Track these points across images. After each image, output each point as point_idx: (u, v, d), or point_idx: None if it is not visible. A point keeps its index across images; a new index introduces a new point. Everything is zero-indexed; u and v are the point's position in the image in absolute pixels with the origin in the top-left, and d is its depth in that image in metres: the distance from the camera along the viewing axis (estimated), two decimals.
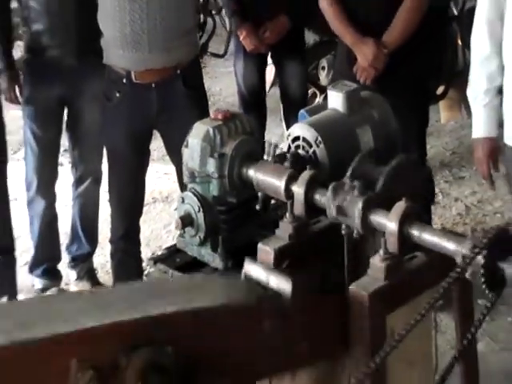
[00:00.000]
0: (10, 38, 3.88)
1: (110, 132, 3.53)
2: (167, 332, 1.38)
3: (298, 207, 1.73)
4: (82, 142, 3.94)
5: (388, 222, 1.57)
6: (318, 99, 5.46)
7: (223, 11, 6.29)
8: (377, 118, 1.93)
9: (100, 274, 4.23)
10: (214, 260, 1.90)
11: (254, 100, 4.77)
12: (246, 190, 1.87)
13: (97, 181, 4.01)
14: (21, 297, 3.92)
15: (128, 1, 3.27)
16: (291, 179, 1.75)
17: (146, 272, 3.89)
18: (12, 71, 3.83)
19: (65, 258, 4.15)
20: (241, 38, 4.52)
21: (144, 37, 3.30)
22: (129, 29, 3.29)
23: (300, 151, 1.86)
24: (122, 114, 3.43)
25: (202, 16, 6.39)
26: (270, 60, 4.85)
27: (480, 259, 1.40)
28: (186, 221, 1.90)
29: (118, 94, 3.41)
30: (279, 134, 5.24)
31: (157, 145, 4.14)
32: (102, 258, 4.28)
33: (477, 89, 3.01)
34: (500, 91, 2.96)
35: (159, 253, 4.07)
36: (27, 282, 4.07)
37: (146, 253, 4.08)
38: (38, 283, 4.06)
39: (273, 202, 1.89)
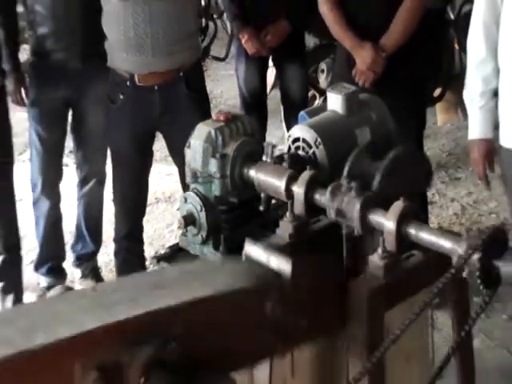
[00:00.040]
0: (16, 41, 3.87)
1: (113, 133, 3.54)
2: (171, 326, 1.37)
3: (298, 207, 1.74)
4: (87, 143, 3.95)
5: (386, 222, 1.58)
6: (318, 101, 5.44)
7: (224, 15, 6.28)
8: (375, 119, 1.93)
9: (104, 273, 4.24)
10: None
11: (255, 102, 4.77)
12: (247, 190, 1.88)
13: (101, 181, 4.02)
14: (26, 294, 3.96)
15: (132, 5, 3.30)
16: (291, 179, 1.76)
17: (148, 270, 3.92)
18: (18, 74, 3.83)
19: (70, 256, 4.17)
20: (242, 41, 4.53)
21: (147, 40, 3.32)
22: (132, 32, 3.31)
23: (300, 152, 1.86)
24: (125, 116, 3.45)
25: (203, 20, 6.38)
26: (270, 63, 4.85)
27: (476, 258, 1.42)
28: (189, 220, 1.91)
29: (121, 97, 3.43)
30: (280, 136, 5.23)
31: (159, 146, 4.16)
32: (106, 257, 4.30)
33: (473, 91, 3.03)
34: (495, 94, 2.98)
35: (162, 251, 4.16)
36: (33, 280, 4.10)
37: (149, 251, 4.10)
38: (43, 281, 4.08)
39: (273, 201, 1.90)
